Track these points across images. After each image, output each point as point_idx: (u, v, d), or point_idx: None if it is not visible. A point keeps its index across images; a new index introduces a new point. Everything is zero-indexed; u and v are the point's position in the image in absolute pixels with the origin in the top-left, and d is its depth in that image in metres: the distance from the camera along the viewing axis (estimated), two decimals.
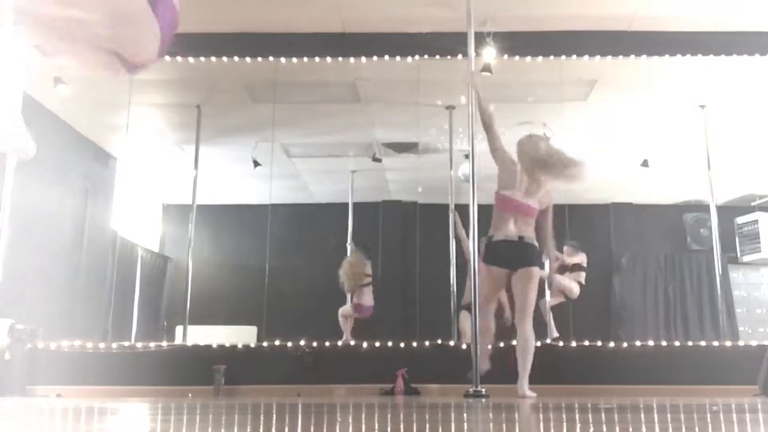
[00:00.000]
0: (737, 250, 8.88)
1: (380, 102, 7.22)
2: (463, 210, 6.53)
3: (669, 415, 2.84)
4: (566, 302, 7.37)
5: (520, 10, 5.90)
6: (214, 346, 6.01)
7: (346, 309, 7.59)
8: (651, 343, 6.18)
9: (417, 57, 6.36)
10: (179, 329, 6.99)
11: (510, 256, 4.63)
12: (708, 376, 5.71)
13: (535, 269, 4.62)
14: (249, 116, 7.54)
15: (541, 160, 4.55)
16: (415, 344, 6.05)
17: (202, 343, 6.09)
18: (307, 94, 7.10)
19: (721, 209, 7.23)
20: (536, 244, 4.68)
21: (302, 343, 5.97)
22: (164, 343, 6.36)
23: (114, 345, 6.05)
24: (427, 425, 2.45)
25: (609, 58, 6.35)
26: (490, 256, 4.67)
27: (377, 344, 6.01)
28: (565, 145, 4.79)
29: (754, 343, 6.16)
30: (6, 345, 5.70)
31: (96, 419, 2.75)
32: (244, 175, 8.00)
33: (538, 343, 6.04)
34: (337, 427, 2.27)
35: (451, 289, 6.85)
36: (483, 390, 4.68)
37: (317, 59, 6.38)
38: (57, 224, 7.18)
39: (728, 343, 6.31)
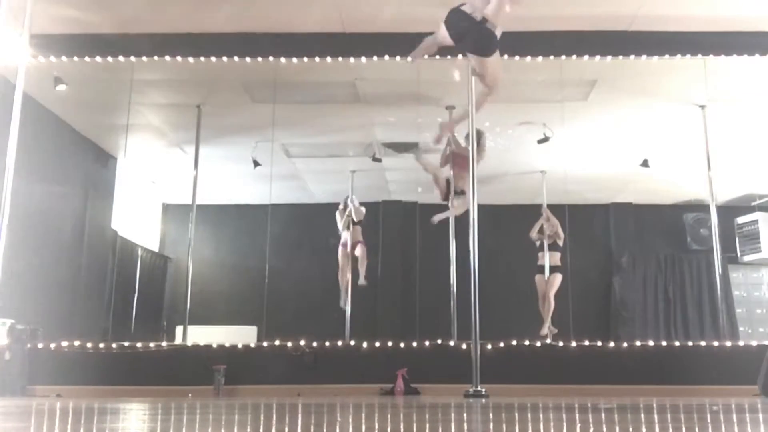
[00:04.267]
0: (737, 250, 8.88)
1: (380, 102, 7.21)
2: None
3: (669, 415, 2.84)
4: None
5: (520, 10, 5.87)
6: (214, 346, 6.01)
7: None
8: (651, 343, 6.18)
9: None
10: (179, 329, 6.98)
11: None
12: (708, 376, 5.71)
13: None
14: (249, 116, 7.53)
15: None
16: (415, 344, 6.04)
17: (202, 343, 6.09)
18: (307, 94, 7.10)
19: (721, 209, 7.22)
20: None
21: (302, 343, 5.97)
22: (164, 343, 6.36)
23: (114, 345, 6.04)
24: (427, 425, 2.45)
25: (609, 58, 6.34)
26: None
27: (377, 344, 6.01)
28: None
29: (754, 343, 6.16)
30: (6, 345, 5.70)
31: (96, 419, 2.75)
32: (244, 175, 7.99)
33: (538, 344, 6.09)
34: (337, 427, 2.27)
35: (451, 289, 6.85)
36: (483, 390, 4.69)
37: (317, 59, 6.38)
38: (57, 224, 7.18)
39: (728, 343, 6.30)
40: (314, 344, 5.97)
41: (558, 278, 7.51)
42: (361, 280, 7.58)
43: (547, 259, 7.60)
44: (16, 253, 6.11)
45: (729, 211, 8.67)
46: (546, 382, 5.74)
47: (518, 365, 5.84)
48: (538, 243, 7.74)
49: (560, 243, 7.60)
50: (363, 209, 7.98)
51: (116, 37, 6.31)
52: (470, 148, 5.23)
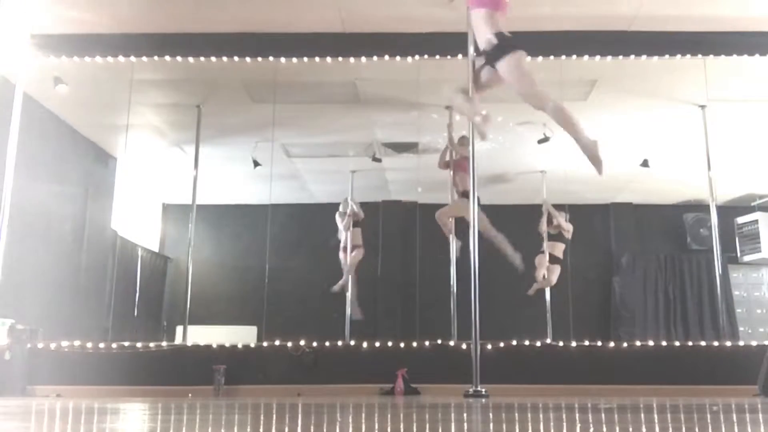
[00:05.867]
0: (737, 250, 8.88)
1: (380, 102, 7.21)
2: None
3: (669, 415, 2.84)
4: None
5: (521, 10, 5.89)
6: (214, 346, 6.01)
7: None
8: (651, 343, 6.19)
9: (417, 57, 6.35)
10: (179, 329, 6.98)
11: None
12: (708, 376, 5.72)
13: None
14: (249, 116, 7.53)
15: None
16: (415, 344, 6.04)
17: (202, 343, 6.09)
18: (307, 94, 7.10)
19: (721, 209, 7.22)
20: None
21: (302, 343, 5.97)
22: (164, 343, 6.36)
23: (114, 345, 6.05)
24: (427, 425, 2.45)
25: (609, 58, 6.34)
26: None
27: (377, 344, 6.01)
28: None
29: (754, 343, 6.16)
30: (6, 345, 5.70)
31: (96, 419, 2.75)
32: (244, 175, 8.00)
33: (538, 343, 6.09)
34: (337, 427, 2.27)
35: (451, 289, 6.85)
36: (483, 390, 4.69)
37: (317, 59, 6.37)
38: (57, 224, 7.18)
39: (728, 343, 6.31)
40: (314, 344, 5.97)
41: (557, 270, 7.56)
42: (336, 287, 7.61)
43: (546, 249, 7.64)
44: (16, 253, 6.12)
45: (729, 211, 8.67)
46: (546, 382, 5.74)
47: (518, 365, 5.84)
48: (545, 234, 7.75)
49: (566, 235, 7.62)
50: (361, 212, 7.97)
51: (116, 37, 6.31)
52: (470, 149, 5.22)
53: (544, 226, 7.69)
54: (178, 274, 8.18)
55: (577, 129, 4.28)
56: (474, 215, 4.98)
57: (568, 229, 7.62)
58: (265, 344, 6.16)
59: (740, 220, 8.89)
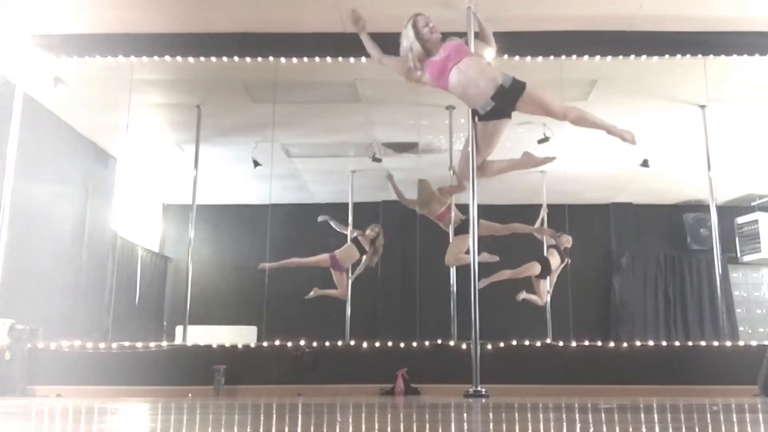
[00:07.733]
0: (737, 250, 8.88)
1: (380, 102, 7.21)
2: (463, 210, 6.55)
3: (669, 415, 2.84)
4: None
5: (520, 10, 5.90)
6: (214, 346, 6.01)
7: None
8: (651, 343, 6.19)
9: None
10: (179, 329, 6.98)
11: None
12: (708, 376, 5.72)
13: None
14: (249, 116, 7.53)
15: None
16: (415, 344, 6.05)
17: (202, 343, 6.09)
18: (307, 94, 7.10)
19: (721, 209, 7.22)
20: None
21: (302, 343, 5.97)
22: (164, 343, 6.36)
23: (114, 345, 6.04)
24: (427, 425, 2.45)
25: (609, 58, 6.34)
26: None
27: (377, 344, 6.01)
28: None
29: (754, 343, 6.16)
30: (6, 345, 5.70)
31: (96, 419, 2.75)
32: (244, 175, 7.99)
33: (538, 343, 6.09)
34: (337, 427, 2.27)
35: (451, 289, 6.85)
36: (483, 390, 4.69)
37: (317, 59, 6.37)
38: (57, 224, 7.18)
39: (728, 343, 6.31)
40: (314, 344, 5.97)
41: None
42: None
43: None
44: (16, 253, 6.12)
45: (729, 211, 8.67)
46: (546, 382, 5.74)
47: (518, 365, 5.84)
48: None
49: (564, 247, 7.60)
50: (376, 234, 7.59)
51: (116, 37, 6.31)
52: (470, 149, 5.21)
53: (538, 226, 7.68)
54: (178, 274, 8.19)
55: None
56: (474, 217, 4.98)
57: (566, 244, 7.55)
58: (265, 344, 6.16)
59: (740, 220, 8.89)
